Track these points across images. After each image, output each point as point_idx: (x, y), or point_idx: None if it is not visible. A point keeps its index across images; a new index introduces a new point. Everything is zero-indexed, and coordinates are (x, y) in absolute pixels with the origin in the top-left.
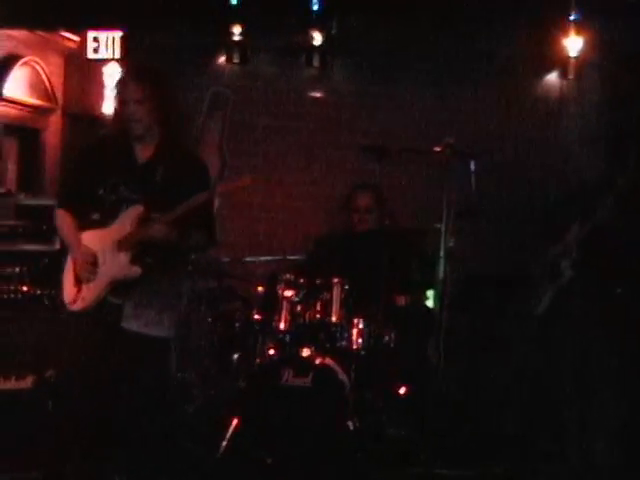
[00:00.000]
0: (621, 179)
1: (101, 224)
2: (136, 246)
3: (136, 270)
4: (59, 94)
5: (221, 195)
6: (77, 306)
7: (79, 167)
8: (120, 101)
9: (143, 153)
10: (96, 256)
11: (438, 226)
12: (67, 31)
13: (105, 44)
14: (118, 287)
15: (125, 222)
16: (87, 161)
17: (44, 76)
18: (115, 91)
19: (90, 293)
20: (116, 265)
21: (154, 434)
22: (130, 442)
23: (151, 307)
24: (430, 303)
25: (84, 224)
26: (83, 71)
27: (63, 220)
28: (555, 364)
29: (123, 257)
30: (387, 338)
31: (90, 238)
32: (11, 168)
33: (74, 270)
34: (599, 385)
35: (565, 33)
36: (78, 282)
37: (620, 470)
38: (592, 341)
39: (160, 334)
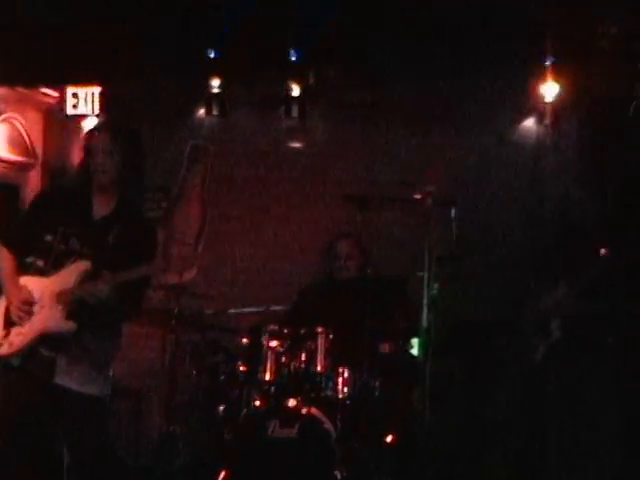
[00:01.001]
0: (600, 258)
1: (44, 272)
2: (75, 302)
3: (71, 326)
4: (39, 149)
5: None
6: (2, 351)
7: (32, 209)
8: (88, 151)
9: (101, 209)
10: (33, 301)
11: (420, 274)
12: (46, 87)
13: (84, 99)
14: (50, 339)
15: (69, 275)
16: (41, 205)
17: (23, 132)
18: (84, 141)
19: (19, 339)
20: (52, 317)
21: None
22: None
23: (84, 364)
24: (415, 351)
25: (25, 269)
26: (62, 126)
27: (2, 258)
28: (546, 413)
29: (60, 310)
30: (372, 386)
31: (30, 283)
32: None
33: (4, 313)
34: (593, 438)
35: (541, 79)
36: (7, 325)
37: None
38: (584, 391)
39: (95, 392)
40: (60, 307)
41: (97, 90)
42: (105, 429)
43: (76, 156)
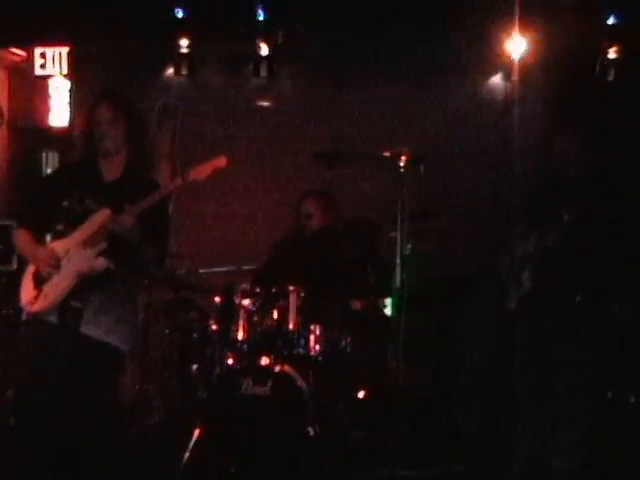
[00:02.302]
0: (566, 214)
1: (65, 234)
2: (102, 241)
3: (102, 262)
4: (4, 108)
5: (195, 180)
6: (37, 306)
7: (44, 187)
8: (92, 122)
9: (110, 173)
10: (58, 255)
11: (393, 234)
12: (14, 47)
13: (52, 60)
14: (79, 290)
15: (92, 225)
16: (52, 181)
17: None
18: (88, 112)
19: (52, 292)
20: (81, 259)
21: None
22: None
23: (110, 315)
24: (388, 311)
25: (50, 236)
26: (28, 85)
27: (21, 237)
28: (515, 363)
29: (89, 252)
30: (344, 343)
31: (54, 246)
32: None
33: (34, 274)
34: (559, 387)
35: (508, 35)
36: (38, 285)
37: (574, 472)
38: (554, 346)
39: (118, 345)
40: (88, 250)
41: (65, 50)
42: (115, 386)
43: (43, 114)
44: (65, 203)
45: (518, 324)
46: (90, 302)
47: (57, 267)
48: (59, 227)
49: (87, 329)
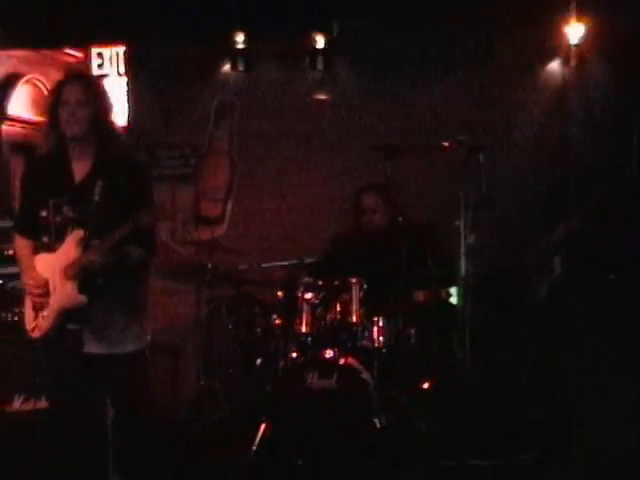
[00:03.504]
0: (596, 190)
1: (50, 248)
2: (82, 273)
3: (82, 300)
4: None
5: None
6: (35, 334)
7: (23, 190)
8: (57, 104)
9: (80, 168)
10: (47, 283)
11: (457, 223)
12: (70, 48)
13: (109, 59)
14: (73, 313)
15: (69, 247)
16: (28, 184)
17: (46, 93)
18: (51, 95)
19: (45, 322)
20: (64, 294)
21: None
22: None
23: (109, 328)
24: (454, 300)
25: (37, 247)
26: None
27: (18, 244)
28: (564, 352)
29: (70, 286)
30: (408, 334)
31: (41, 263)
32: (19, 186)
33: (30, 297)
34: (606, 370)
35: (566, 21)
36: (35, 309)
37: (634, 456)
38: (592, 329)
39: (127, 350)
40: (69, 283)
41: (121, 50)
42: (143, 382)
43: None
44: (44, 213)
45: (552, 311)
46: (88, 321)
47: (46, 301)
48: (44, 239)
49: (90, 348)
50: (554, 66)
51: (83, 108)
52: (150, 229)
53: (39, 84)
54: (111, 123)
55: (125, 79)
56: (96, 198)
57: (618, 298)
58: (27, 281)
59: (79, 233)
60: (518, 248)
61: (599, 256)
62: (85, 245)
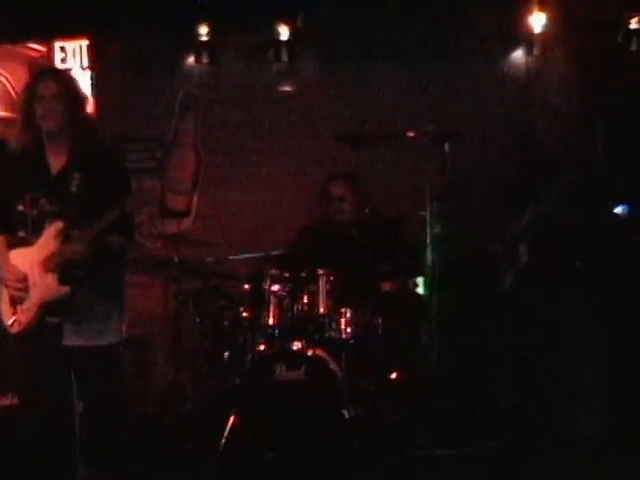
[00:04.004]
0: (567, 174)
1: (27, 241)
2: (63, 265)
3: (64, 291)
4: None
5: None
6: (15, 329)
7: None
8: (32, 99)
9: (56, 162)
10: (26, 277)
11: (423, 213)
12: (33, 42)
13: (72, 53)
14: (53, 306)
15: (48, 240)
16: (3, 178)
17: (9, 87)
18: (24, 92)
19: (25, 316)
20: (45, 287)
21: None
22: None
23: (92, 320)
24: (420, 290)
25: (13, 242)
26: None
27: None
28: (531, 340)
29: (51, 278)
30: (375, 325)
31: (19, 257)
32: None
33: (8, 292)
34: (575, 358)
35: (529, 9)
36: (13, 304)
37: (605, 440)
38: (559, 316)
39: (106, 343)
40: (50, 275)
41: (85, 43)
42: (119, 375)
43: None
44: (20, 207)
45: (519, 300)
46: (68, 313)
47: (25, 291)
48: (21, 233)
49: (69, 341)
50: (517, 55)
51: (58, 103)
52: (130, 218)
53: (2, 79)
54: (86, 116)
55: (89, 72)
56: (73, 190)
57: (584, 285)
58: (7, 275)
59: (58, 225)
60: (484, 237)
61: (566, 242)
62: (64, 237)
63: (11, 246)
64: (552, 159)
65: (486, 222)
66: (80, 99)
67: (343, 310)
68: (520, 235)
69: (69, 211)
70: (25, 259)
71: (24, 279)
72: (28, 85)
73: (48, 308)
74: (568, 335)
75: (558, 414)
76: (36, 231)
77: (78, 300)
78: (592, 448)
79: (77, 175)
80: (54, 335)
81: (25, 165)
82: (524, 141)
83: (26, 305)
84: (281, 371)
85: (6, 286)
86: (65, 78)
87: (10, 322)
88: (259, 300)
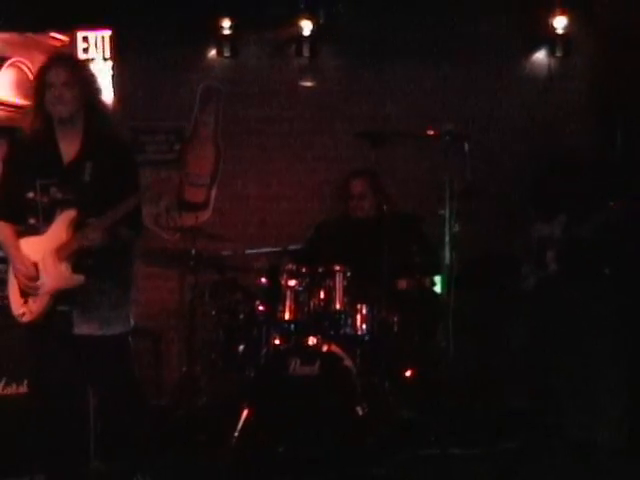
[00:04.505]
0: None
1: (37, 230)
2: (75, 254)
3: (79, 279)
4: None
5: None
6: (26, 319)
7: (7, 172)
8: (44, 86)
9: (68, 149)
10: (37, 267)
11: (442, 212)
12: (56, 32)
13: (94, 44)
14: (63, 295)
15: (60, 228)
16: (14, 165)
17: (31, 76)
18: (36, 78)
19: (36, 306)
20: (58, 276)
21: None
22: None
23: (101, 308)
24: (438, 288)
25: (23, 230)
26: None
27: (1, 230)
28: (551, 341)
29: (64, 267)
30: (391, 322)
31: (29, 246)
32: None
33: (18, 282)
34: (594, 361)
35: (552, 10)
36: (23, 294)
37: (618, 449)
38: (582, 320)
39: (115, 332)
40: (63, 264)
41: (107, 34)
42: (129, 365)
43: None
44: (30, 195)
45: (542, 303)
46: (78, 302)
47: (36, 285)
48: (31, 221)
49: (79, 329)
50: (540, 56)
51: (69, 90)
52: (138, 210)
53: (23, 67)
54: (100, 104)
55: (110, 64)
56: (87, 178)
57: (610, 292)
58: (18, 266)
59: (71, 213)
60: (503, 238)
61: (597, 252)
62: (77, 225)
63: (21, 235)
64: (580, 162)
65: (504, 223)
66: (93, 87)
67: (359, 307)
68: (549, 242)
69: (82, 200)
70: (36, 248)
71: (35, 270)
72: (40, 71)
73: (59, 297)
74: (588, 341)
75: (571, 419)
76: (46, 219)
77: (87, 289)
78: (604, 455)
79: (90, 164)
80: (64, 324)
81: (36, 152)
82: (546, 142)
83: (38, 294)
84: (295, 366)
85: (16, 276)
86: (77, 65)
87: (21, 312)
88: (275, 294)
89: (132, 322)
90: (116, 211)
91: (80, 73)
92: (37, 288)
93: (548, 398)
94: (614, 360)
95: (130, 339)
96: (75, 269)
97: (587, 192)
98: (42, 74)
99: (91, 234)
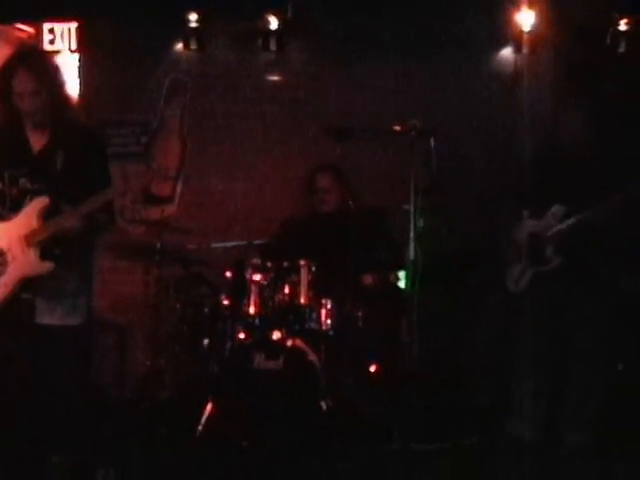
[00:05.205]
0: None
1: (3, 217)
2: (46, 241)
3: (47, 266)
4: None
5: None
6: None
7: None
8: (10, 77)
9: (37, 140)
10: (4, 253)
11: (406, 207)
12: (22, 23)
13: (61, 35)
14: (28, 282)
15: (30, 215)
16: None
17: None
18: (3, 79)
19: (2, 291)
20: (26, 262)
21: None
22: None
23: (64, 297)
24: (402, 284)
25: None
26: None
27: None
28: (527, 338)
29: (32, 253)
30: (355, 317)
31: None
32: None
33: None
34: (577, 362)
35: (517, 8)
36: None
37: (587, 449)
38: (572, 319)
39: (75, 323)
40: (31, 250)
41: (74, 26)
42: (86, 357)
43: None
44: None
45: (534, 300)
46: (41, 292)
47: (4, 269)
48: None
49: (42, 318)
50: (506, 52)
51: (36, 96)
52: (111, 200)
53: None
54: (65, 95)
55: (77, 55)
56: (59, 166)
57: (604, 291)
58: None
59: (43, 201)
60: (467, 232)
61: (598, 248)
62: (48, 213)
63: None
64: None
65: (468, 219)
66: (58, 78)
67: (324, 301)
68: (545, 237)
69: (54, 188)
70: (2, 234)
71: (2, 255)
72: (5, 72)
73: (25, 284)
74: (577, 337)
75: (543, 414)
76: (13, 209)
77: (51, 277)
78: (568, 449)
79: (61, 152)
80: (27, 312)
81: (5, 144)
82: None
83: (3, 280)
84: (260, 360)
85: None
86: (40, 70)
87: None
88: (240, 289)
89: (91, 313)
90: (96, 200)
91: (48, 78)
92: (4, 271)
93: (509, 393)
94: (596, 358)
95: (88, 331)
96: (42, 257)
97: (584, 179)
98: (8, 77)
99: (65, 222)
